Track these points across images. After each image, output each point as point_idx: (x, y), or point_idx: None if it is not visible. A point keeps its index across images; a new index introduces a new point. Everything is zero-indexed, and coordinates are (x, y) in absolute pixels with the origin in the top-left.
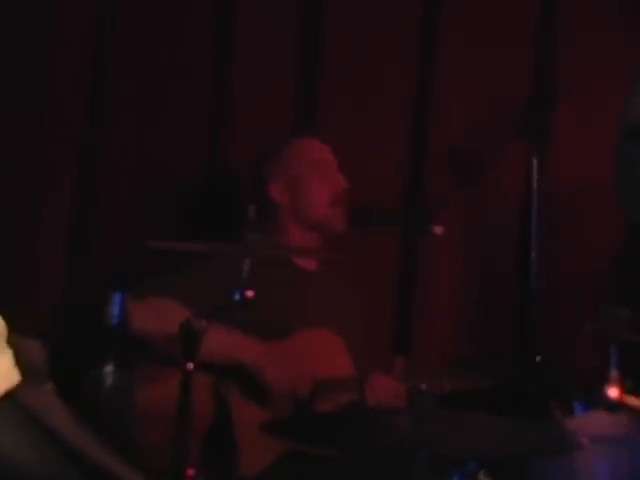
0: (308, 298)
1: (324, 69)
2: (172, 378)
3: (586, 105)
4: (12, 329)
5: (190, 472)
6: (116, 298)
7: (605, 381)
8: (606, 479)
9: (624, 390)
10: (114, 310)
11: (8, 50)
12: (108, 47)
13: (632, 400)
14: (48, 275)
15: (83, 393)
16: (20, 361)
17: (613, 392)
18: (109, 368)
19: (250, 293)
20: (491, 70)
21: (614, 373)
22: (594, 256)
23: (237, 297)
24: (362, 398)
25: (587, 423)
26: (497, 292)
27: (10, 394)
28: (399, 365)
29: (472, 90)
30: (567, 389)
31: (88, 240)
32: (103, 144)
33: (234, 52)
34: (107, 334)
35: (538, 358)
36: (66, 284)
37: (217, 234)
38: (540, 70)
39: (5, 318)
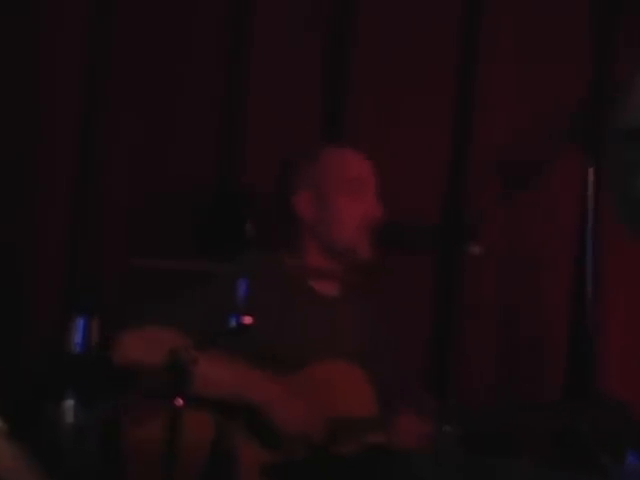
0: (326, 326)
1: (353, 74)
2: (162, 416)
3: None
4: None
5: None
6: (79, 323)
7: None
8: None
9: None
10: (77, 337)
11: None
12: (107, 54)
13: None
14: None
15: (39, 432)
16: None
17: None
18: (69, 403)
19: (248, 319)
20: (540, 74)
21: None
22: None
23: (233, 324)
24: (387, 441)
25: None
26: (548, 324)
27: None
28: (431, 405)
29: (519, 96)
30: (620, 434)
31: (84, 257)
32: (100, 159)
33: (249, 53)
34: (69, 363)
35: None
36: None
37: (227, 254)
38: (595, 72)
39: None
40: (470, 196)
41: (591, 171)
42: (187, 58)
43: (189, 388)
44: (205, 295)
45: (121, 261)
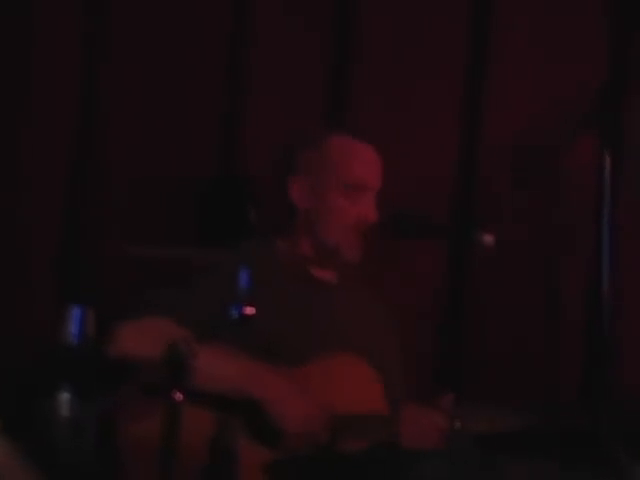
0: (329, 316)
1: (359, 58)
2: (160, 411)
3: None
4: None
5: None
6: (75, 313)
7: None
8: None
9: None
10: (73, 327)
11: None
12: (107, 36)
13: None
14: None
15: (33, 427)
16: None
17: None
18: (65, 397)
19: (250, 310)
20: (554, 57)
21: None
22: None
23: (235, 315)
24: (395, 437)
25: None
26: (563, 316)
27: None
28: (447, 403)
29: (532, 79)
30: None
31: (80, 245)
32: (96, 143)
33: (251, 36)
34: (63, 356)
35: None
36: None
37: (229, 240)
38: (612, 56)
39: None
40: (482, 184)
41: (607, 156)
42: (188, 41)
43: (189, 382)
44: (205, 284)
45: (118, 249)
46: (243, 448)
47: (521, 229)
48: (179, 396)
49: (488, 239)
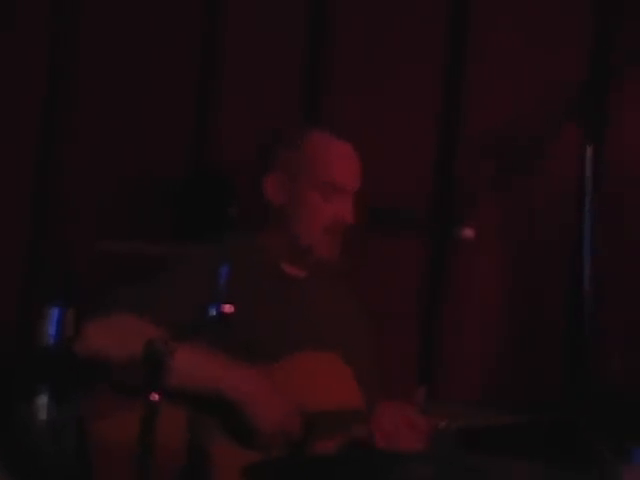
0: (301, 313)
1: (333, 55)
2: (130, 411)
3: None
4: None
5: None
6: (53, 314)
7: None
8: None
9: None
10: (50, 328)
11: None
12: (74, 29)
13: None
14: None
15: (11, 431)
16: None
17: None
18: (43, 399)
19: (229, 308)
20: (535, 48)
21: None
22: None
23: (213, 313)
24: (369, 435)
25: None
26: (543, 310)
27: None
28: (419, 396)
29: (513, 70)
30: (624, 430)
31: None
32: (64, 141)
33: (224, 31)
34: (40, 358)
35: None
36: (21, 299)
37: (205, 237)
38: (595, 46)
39: None
40: (461, 179)
41: (590, 149)
42: (160, 36)
43: (165, 382)
44: (179, 280)
45: (89, 246)
46: (217, 447)
47: (501, 223)
48: (155, 396)
49: (468, 233)
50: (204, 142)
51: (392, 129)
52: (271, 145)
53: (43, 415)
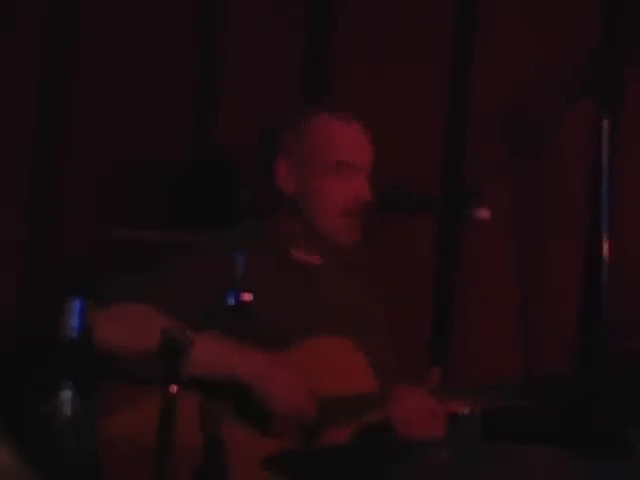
0: (314, 298)
1: (339, 28)
2: (145, 403)
3: None
4: None
5: None
6: (75, 306)
7: None
8: None
9: None
10: (73, 320)
11: None
12: (69, 20)
13: None
14: None
15: (34, 428)
16: None
17: None
18: (67, 395)
19: (247, 296)
20: (546, 19)
21: None
22: None
23: (231, 302)
24: (386, 420)
25: None
26: (559, 293)
27: None
28: (434, 378)
29: (523, 43)
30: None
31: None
32: (61, 125)
33: (225, 14)
34: (64, 352)
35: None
36: (20, 294)
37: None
38: (606, 19)
39: None
40: (471, 160)
41: (606, 123)
42: (160, 21)
43: (184, 373)
44: (188, 267)
45: (102, 233)
46: (232, 432)
47: (514, 202)
48: (174, 388)
49: (484, 214)
50: (205, 125)
51: (400, 110)
52: (277, 130)
53: (67, 411)
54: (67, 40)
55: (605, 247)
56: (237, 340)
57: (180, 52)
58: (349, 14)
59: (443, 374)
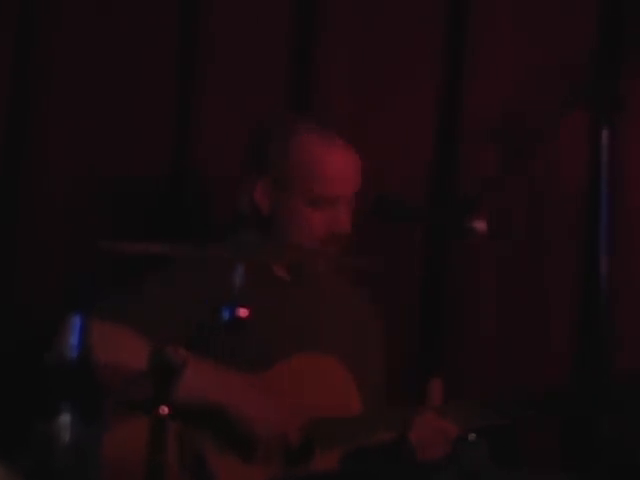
0: (297, 316)
1: (326, 25)
2: (132, 421)
3: None
4: None
5: None
6: (75, 322)
7: None
8: None
9: None
10: (72, 338)
11: None
12: (42, 25)
13: None
14: None
15: (30, 454)
16: None
17: None
18: (65, 418)
19: (244, 312)
20: (542, 22)
21: None
22: None
23: (226, 317)
24: (400, 440)
25: None
26: (555, 304)
27: None
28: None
29: (518, 44)
30: None
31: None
32: (34, 139)
33: (206, 19)
34: (62, 372)
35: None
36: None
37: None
38: (604, 19)
39: None
40: (464, 168)
41: (605, 132)
42: (137, 31)
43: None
44: (169, 284)
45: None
46: (214, 461)
47: (509, 212)
48: (165, 409)
49: (480, 225)
50: (185, 141)
51: (389, 116)
52: (260, 145)
53: (66, 435)
54: (42, 49)
55: (603, 260)
56: (217, 360)
57: (157, 60)
58: (336, 13)
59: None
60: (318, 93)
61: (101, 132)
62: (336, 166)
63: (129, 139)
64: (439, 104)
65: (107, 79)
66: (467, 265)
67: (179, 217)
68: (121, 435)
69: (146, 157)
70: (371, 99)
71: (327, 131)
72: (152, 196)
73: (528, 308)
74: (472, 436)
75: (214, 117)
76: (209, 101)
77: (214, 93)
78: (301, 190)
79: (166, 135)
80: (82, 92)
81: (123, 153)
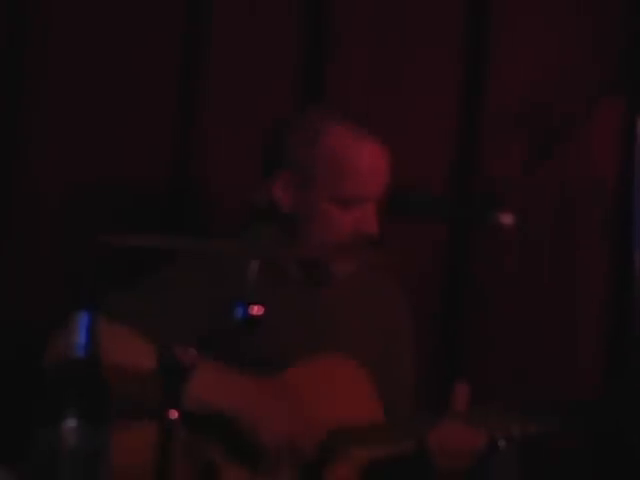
0: (312, 321)
1: (341, 13)
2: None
3: None
4: None
5: None
6: (82, 320)
7: None
8: None
9: None
10: (79, 337)
11: None
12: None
13: None
14: None
15: (34, 460)
16: None
17: None
18: (72, 423)
19: (258, 310)
20: (570, 11)
21: None
22: None
23: (239, 315)
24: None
25: None
26: (585, 306)
27: None
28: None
29: (545, 30)
30: None
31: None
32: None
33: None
34: (68, 373)
35: None
36: None
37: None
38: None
39: None
40: (488, 159)
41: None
42: (137, 26)
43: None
44: (188, 280)
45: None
46: (223, 473)
47: (534, 206)
48: (174, 414)
49: (507, 219)
50: (186, 148)
51: (410, 108)
52: (281, 138)
53: (71, 442)
54: (35, 45)
55: (637, 257)
56: (228, 361)
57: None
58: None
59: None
60: (333, 88)
61: (98, 129)
62: (369, 163)
63: (127, 139)
64: (462, 90)
65: (104, 74)
66: (490, 264)
67: (179, 221)
68: (127, 442)
69: (145, 157)
70: (388, 85)
71: (356, 125)
72: (151, 198)
73: (556, 309)
74: (502, 443)
75: (217, 116)
76: (212, 101)
77: (218, 93)
78: (329, 188)
79: (166, 136)
80: (78, 91)
81: (121, 153)
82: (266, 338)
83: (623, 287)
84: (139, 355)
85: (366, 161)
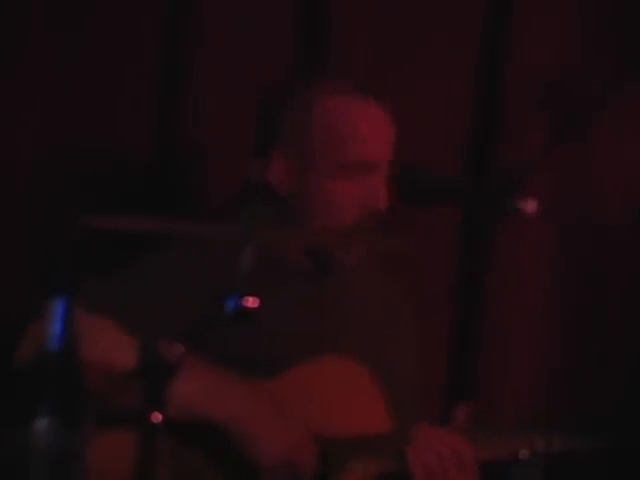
0: (312, 316)
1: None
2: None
3: None
4: None
5: None
6: (57, 309)
7: None
8: None
9: None
10: (53, 328)
11: None
12: None
13: None
14: None
15: (1, 463)
16: None
17: None
18: (43, 423)
19: (253, 302)
20: None
21: None
22: None
23: (232, 308)
24: (404, 468)
25: None
26: (608, 312)
27: None
28: (461, 415)
29: (568, 11)
30: None
31: None
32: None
33: None
34: (40, 366)
35: None
36: None
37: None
38: None
39: None
40: (507, 143)
41: None
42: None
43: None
44: (174, 267)
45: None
46: None
47: (554, 196)
48: (158, 416)
49: (530, 206)
50: (172, 102)
51: (424, 92)
52: (278, 110)
53: (45, 443)
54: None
55: None
56: (217, 360)
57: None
58: None
59: (475, 409)
60: (335, 46)
61: (76, 94)
62: (371, 123)
63: (108, 104)
64: (478, 66)
65: (83, 33)
66: (511, 256)
67: (163, 196)
68: (105, 447)
69: (127, 124)
70: (398, 56)
71: (354, 86)
72: (134, 170)
73: (578, 300)
74: (524, 454)
75: (207, 75)
76: (203, 56)
77: (209, 49)
78: (329, 157)
79: (149, 97)
80: (56, 50)
81: (101, 120)
82: (261, 334)
83: None
84: (119, 349)
85: (368, 121)
